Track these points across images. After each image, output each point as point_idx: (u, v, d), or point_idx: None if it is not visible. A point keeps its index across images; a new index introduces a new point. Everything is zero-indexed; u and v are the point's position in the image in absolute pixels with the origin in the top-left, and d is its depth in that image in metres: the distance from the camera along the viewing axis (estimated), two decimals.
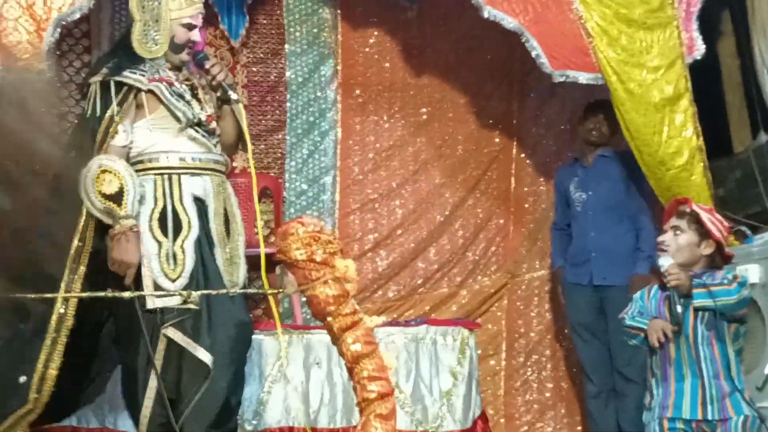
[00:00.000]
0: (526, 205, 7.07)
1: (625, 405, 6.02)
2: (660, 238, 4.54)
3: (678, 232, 4.50)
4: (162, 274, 4.40)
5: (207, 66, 4.68)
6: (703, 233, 4.50)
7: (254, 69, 6.75)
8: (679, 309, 4.34)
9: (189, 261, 4.45)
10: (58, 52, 6.05)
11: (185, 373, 4.40)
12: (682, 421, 4.37)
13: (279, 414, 5.54)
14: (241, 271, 4.70)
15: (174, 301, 4.38)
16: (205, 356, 4.39)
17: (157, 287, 4.36)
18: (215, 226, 4.61)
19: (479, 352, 6.35)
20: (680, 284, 4.35)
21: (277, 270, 6.10)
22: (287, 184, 6.73)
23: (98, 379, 4.81)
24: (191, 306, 4.39)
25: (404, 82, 6.96)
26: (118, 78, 4.54)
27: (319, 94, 6.82)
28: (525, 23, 5.76)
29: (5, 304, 4.04)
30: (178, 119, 4.56)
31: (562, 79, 5.87)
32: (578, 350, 6.37)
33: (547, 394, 6.91)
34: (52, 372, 4.33)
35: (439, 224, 6.98)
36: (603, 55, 5.84)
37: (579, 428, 6.82)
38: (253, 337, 4.73)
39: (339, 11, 6.85)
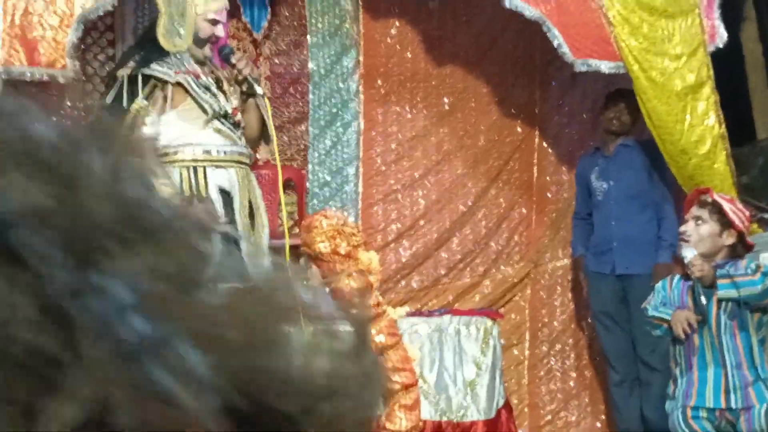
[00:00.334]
0: (549, 195, 7.06)
1: (648, 393, 6.03)
2: (681, 228, 4.53)
3: (700, 222, 4.48)
4: None
5: (233, 60, 4.71)
6: (725, 223, 4.48)
7: (276, 61, 6.77)
8: (703, 300, 4.33)
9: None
10: (82, 46, 6.09)
11: None
12: (706, 410, 4.38)
13: None
14: (266, 263, 4.73)
15: None
16: None
17: None
18: (241, 218, 4.65)
19: (503, 341, 6.37)
20: (704, 275, 4.33)
21: (301, 261, 6.13)
22: (310, 176, 6.75)
23: None
24: None
25: (426, 73, 6.96)
26: (146, 71, 4.58)
27: (341, 85, 6.83)
28: (546, 12, 5.76)
29: None
30: (204, 111, 4.59)
31: (583, 69, 5.87)
32: (601, 339, 6.38)
33: (571, 383, 6.92)
34: None
35: (461, 214, 6.98)
36: (625, 43, 5.83)
37: (603, 417, 6.82)
38: None
39: (360, 2, 6.85)
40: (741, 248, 4.52)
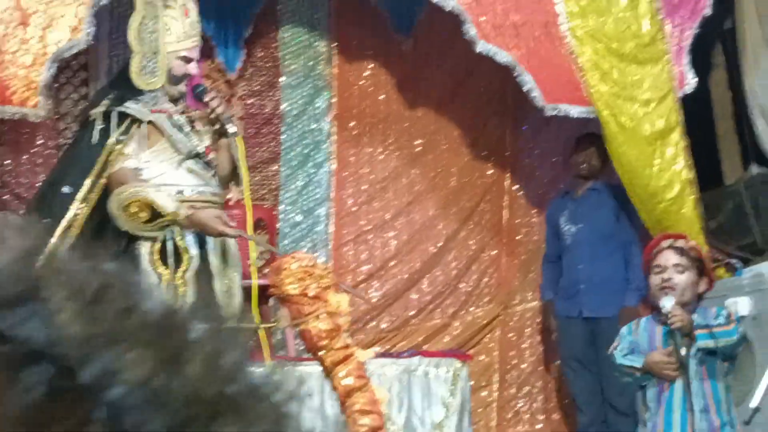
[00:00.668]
0: (519, 237, 7.10)
1: None
2: (665, 276, 4.40)
3: (680, 269, 4.38)
4: None
5: (206, 99, 4.72)
6: (701, 271, 4.44)
7: (250, 101, 6.80)
8: (682, 352, 4.29)
9: (190, 293, 4.49)
10: (55, 85, 6.09)
11: None
12: None
13: None
14: (238, 303, 4.74)
15: None
16: None
17: None
18: (213, 258, 4.66)
19: (472, 383, 6.37)
20: (684, 325, 4.30)
21: (271, 302, 6.12)
22: (281, 216, 6.77)
23: None
24: None
25: (399, 114, 7.00)
26: (120, 108, 4.59)
27: (314, 126, 6.87)
28: (518, 58, 5.82)
29: None
30: (178, 150, 4.60)
31: (554, 113, 5.92)
32: (570, 382, 6.39)
33: (539, 426, 6.92)
34: None
35: (432, 255, 7.01)
36: (595, 89, 5.88)
37: None
38: None
39: (334, 45, 6.90)
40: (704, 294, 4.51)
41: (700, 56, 6.52)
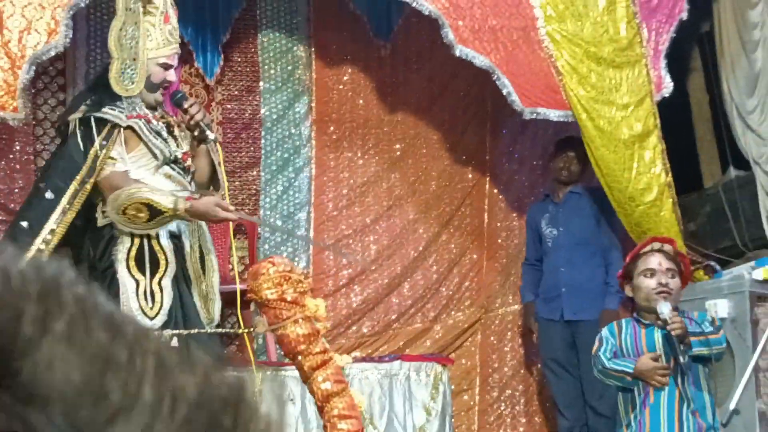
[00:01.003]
0: (500, 241, 7.11)
1: None
2: (663, 281, 4.36)
3: (673, 274, 4.40)
4: (140, 312, 4.42)
5: (185, 105, 4.71)
6: (682, 276, 4.46)
7: (229, 106, 6.78)
8: (682, 359, 4.28)
9: (167, 298, 4.48)
10: (33, 90, 6.08)
11: None
12: None
13: None
14: (216, 308, 4.73)
15: None
16: None
17: None
18: (191, 263, 4.65)
19: (453, 387, 6.38)
20: (684, 332, 4.29)
21: (252, 306, 6.12)
22: None
23: None
24: None
25: (378, 119, 7.00)
26: (98, 114, 4.57)
27: (293, 131, 6.86)
28: (496, 62, 5.83)
29: None
30: (155, 156, 4.59)
31: (532, 117, 5.94)
32: (551, 385, 6.41)
33: (521, 429, 6.93)
34: None
35: (413, 260, 7.01)
36: (573, 92, 5.91)
37: None
38: None
39: (313, 49, 6.90)
40: None
41: (678, 60, 6.55)
